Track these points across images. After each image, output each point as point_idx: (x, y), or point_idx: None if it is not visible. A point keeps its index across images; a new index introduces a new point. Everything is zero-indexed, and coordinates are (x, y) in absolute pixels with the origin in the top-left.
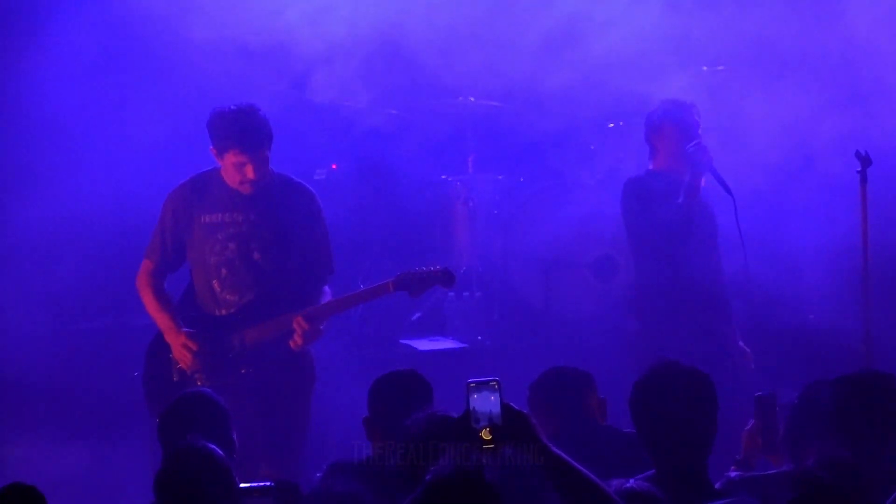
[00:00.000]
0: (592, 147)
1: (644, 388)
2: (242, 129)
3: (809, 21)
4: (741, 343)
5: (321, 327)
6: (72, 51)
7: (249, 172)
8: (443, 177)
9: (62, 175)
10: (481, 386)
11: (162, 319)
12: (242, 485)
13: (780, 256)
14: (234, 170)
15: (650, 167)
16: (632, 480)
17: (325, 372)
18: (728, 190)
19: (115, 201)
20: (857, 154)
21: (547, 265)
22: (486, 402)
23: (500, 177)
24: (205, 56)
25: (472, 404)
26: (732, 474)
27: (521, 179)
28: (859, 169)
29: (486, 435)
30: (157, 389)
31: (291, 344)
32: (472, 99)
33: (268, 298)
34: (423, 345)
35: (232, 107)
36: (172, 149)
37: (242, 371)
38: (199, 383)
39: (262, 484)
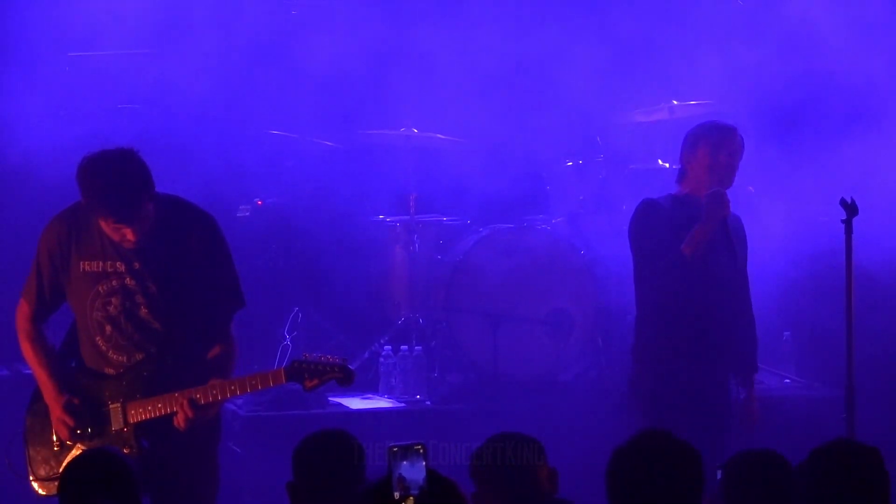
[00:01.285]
0: (549, 187)
1: (625, 457)
2: (116, 196)
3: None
4: (755, 400)
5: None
6: None
7: (129, 235)
8: (381, 217)
9: None
10: (405, 451)
11: (42, 377)
12: None
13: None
14: (111, 230)
15: (674, 190)
16: None
17: (246, 431)
18: (731, 249)
19: None
20: (843, 202)
21: (495, 319)
22: (411, 470)
23: (444, 219)
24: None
25: (394, 471)
26: None
27: (469, 222)
28: (844, 218)
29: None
30: (36, 455)
31: (175, 423)
32: (415, 130)
33: (160, 357)
34: (355, 403)
35: (104, 163)
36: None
37: (133, 446)
38: (74, 449)
39: None
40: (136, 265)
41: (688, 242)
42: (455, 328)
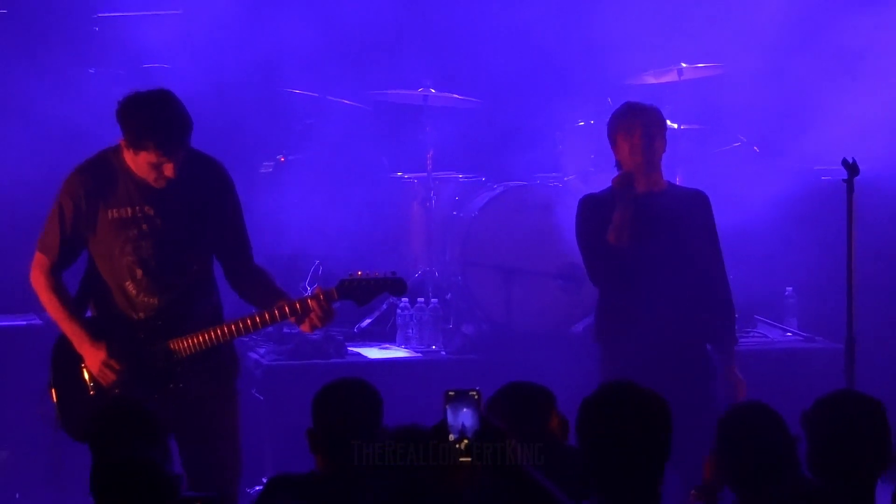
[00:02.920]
0: (560, 147)
1: (591, 407)
2: (165, 127)
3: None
4: (736, 370)
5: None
6: None
7: (168, 171)
8: (399, 174)
9: None
10: (461, 396)
11: (71, 327)
12: (186, 494)
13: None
14: (148, 168)
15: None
16: None
17: (268, 379)
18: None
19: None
20: (844, 162)
21: (508, 273)
22: (464, 415)
23: (460, 176)
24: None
25: (448, 416)
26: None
27: (484, 179)
28: (846, 178)
29: (461, 448)
30: (69, 404)
31: (305, 328)
32: (433, 90)
33: (190, 296)
34: (373, 353)
35: (149, 98)
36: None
37: (171, 386)
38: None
39: (204, 494)
40: (166, 207)
41: (610, 231)
42: (470, 282)
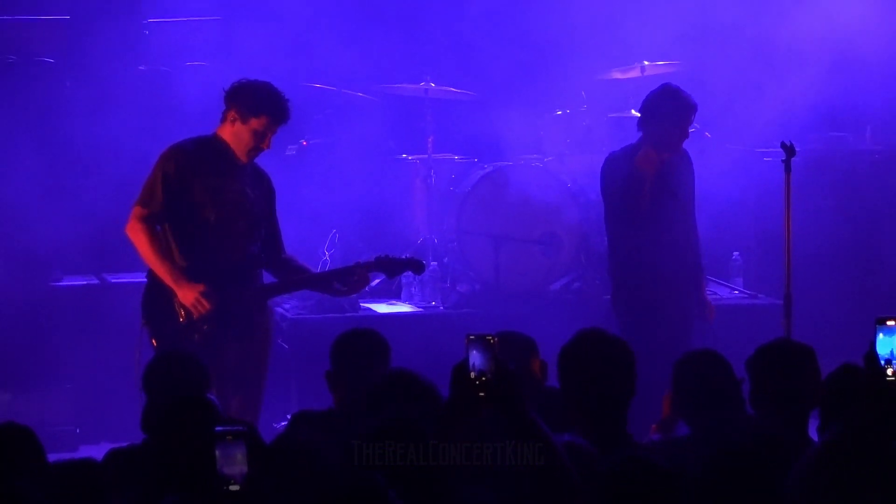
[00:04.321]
0: (541, 133)
1: (568, 353)
2: (281, 103)
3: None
4: (706, 296)
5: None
6: None
7: (267, 143)
8: (403, 155)
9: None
10: (479, 340)
11: (167, 267)
12: (218, 428)
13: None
14: (251, 135)
15: (635, 140)
16: (567, 435)
17: (293, 330)
18: (673, 196)
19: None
20: (783, 144)
21: (497, 239)
22: (481, 357)
23: (456, 157)
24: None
25: (469, 356)
26: (654, 436)
27: (476, 160)
28: (784, 158)
29: (477, 383)
30: (163, 332)
31: (349, 291)
32: (433, 84)
33: (250, 264)
34: (382, 308)
35: (265, 82)
36: (149, 110)
37: (242, 323)
38: (205, 327)
39: (235, 427)
40: (247, 186)
41: (638, 198)
42: (464, 247)
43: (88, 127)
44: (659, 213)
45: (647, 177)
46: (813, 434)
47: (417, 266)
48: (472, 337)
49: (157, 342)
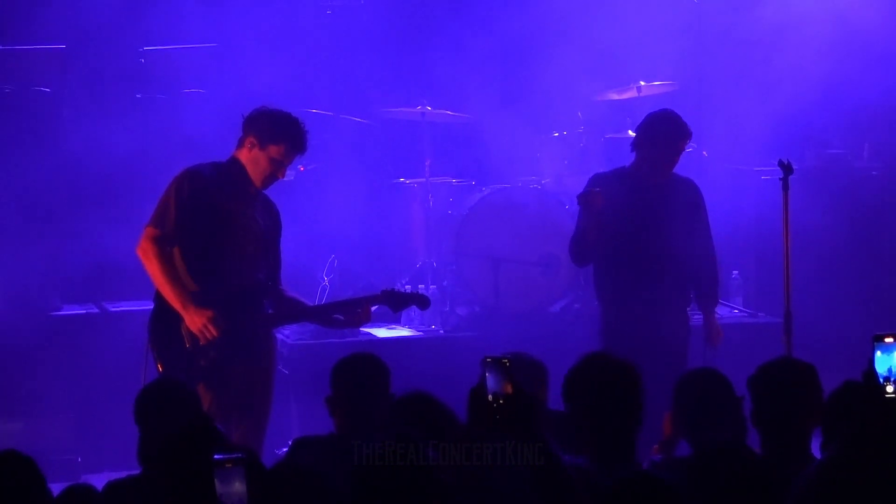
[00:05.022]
0: (538, 155)
1: (575, 377)
2: (301, 134)
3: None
4: (715, 322)
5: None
6: None
7: (282, 173)
8: (401, 179)
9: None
10: (495, 362)
11: (176, 291)
12: (216, 455)
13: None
14: (268, 163)
15: (629, 162)
16: (571, 457)
17: (293, 355)
18: (663, 214)
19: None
20: (780, 163)
21: (496, 261)
22: (496, 379)
23: (454, 180)
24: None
25: (486, 378)
26: (655, 457)
27: (474, 183)
28: (781, 176)
29: (494, 405)
30: (168, 357)
31: (351, 324)
32: (430, 108)
33: (256, 292)
34: (382, 332)
35: (286, 112)
36: (146, 138)
37: (252, 355)
38: (211, 353)
39: (234, 455)
40: (259, 215)
41: (574, 238)
42: (463, 269)
43: (86, 155)
44: (620, 243)
45: (593, 214)
46: (816, 452)
47: (422, 301)
48: (488, 359)
49: (162, 367)
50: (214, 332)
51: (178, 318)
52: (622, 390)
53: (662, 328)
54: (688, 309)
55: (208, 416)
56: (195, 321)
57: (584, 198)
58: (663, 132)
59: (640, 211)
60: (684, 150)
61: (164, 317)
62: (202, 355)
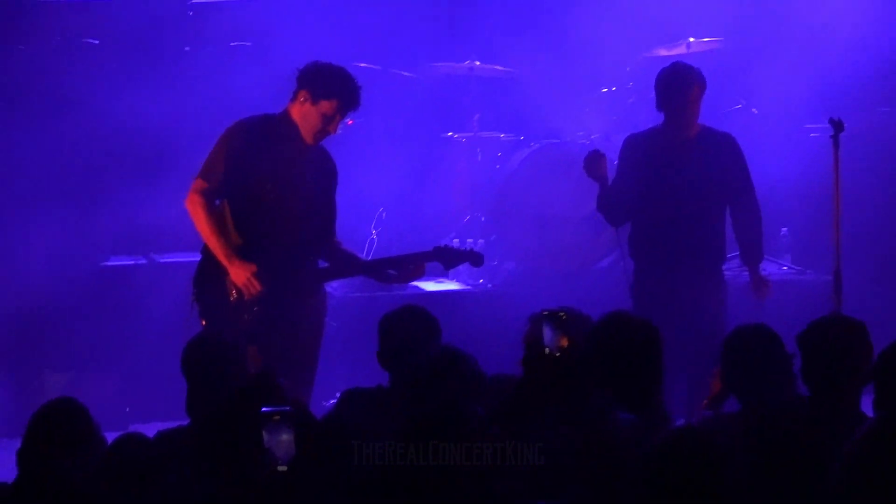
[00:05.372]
0: (587, 110)
1: (595, 335)
2: (354, 89)
3: None
4: (761, 275)
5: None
6: None
7: (334, 128)
8: (449, 134)
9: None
10: (551, 316)
11: (221, 244)
12: (264, 409)
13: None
14: (319, 118)
15: (660, 121)
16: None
17: (341, 308)
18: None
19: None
20: (831, 120)
21: (543, 218)
22: (554, 332)
23: (502, 135)
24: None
25: (543, 331)
26: (705, 412)
27: (522, 138)
28: (832, 134)
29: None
30: (212, 310)
31: (403, 279)
32: (478, 63)
33: (318, 239)
34: (430, 286)
35: (340, 67)
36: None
37: (295, 307)
38: (255, 308)
39: (282, 408)
40: (312, 167)
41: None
42: (510, 225)
43: (134, 109)
44: (647, 203)
45: (597, 177)
46: (866, 409)
47: (476, 258)
48: (544, 313)
49: (205, 320)
50: (258, 287)
51: (223, 272)
52: (641, 348)
53: (695, 288)
54: (723, 265)
55: (268, 370)
56: (239, 275)
57: (586, 162)
58: (672, 86)
59: (664, 168)
60: (699, 99)
61: (209, 269)
62: (245, 310)
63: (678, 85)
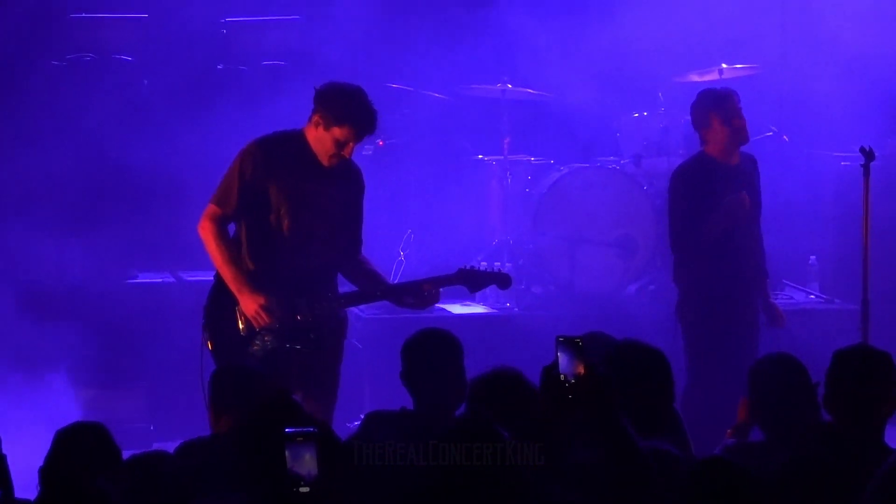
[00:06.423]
0: (618, 135)
1: (609, 363)
2: (367, 114)
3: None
4: (773, 300)
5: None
6: None
7: (348, 152)
8: (479, 156)
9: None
10: (568, 342)
11: (234, 273)
12: (288, 429)
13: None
14: (332, 143)
15: (703, 150)
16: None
17: (366, 330)
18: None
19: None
20: (862, 149)
21: (572, 242)
22: (568, 359)
23: (532, 159)
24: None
25: (559, 357)
26: (728, 441)
27: (552, 161)
28: (863, 163)
29: (567, 385)
30: (220, 338)
31: (420, 305)
32: (510, 86)
33: (334, 265)
34: (456, 309)
35: (355, 88)
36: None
37: (311, 336)
38: (266, 339)
39: (305, 429)
40: (330, 191)
41: (708, 230)
42: (539, 249)
43: (163, 125)
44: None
45: (735, 221)
46: (891, 442)
47: (504, 280)
48: (561, 339)
49: (212, 347)
50: (267, 319)
51: (234, 300)
52: (650, 374)
53: (746, 314)
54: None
55: (286, 390)
56: (249, 306)
57: (732, 204)
58: (710, 107)
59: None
60: (737, 112)
61: (220, 295)
62: (255, 340)
63: (726, 102)
